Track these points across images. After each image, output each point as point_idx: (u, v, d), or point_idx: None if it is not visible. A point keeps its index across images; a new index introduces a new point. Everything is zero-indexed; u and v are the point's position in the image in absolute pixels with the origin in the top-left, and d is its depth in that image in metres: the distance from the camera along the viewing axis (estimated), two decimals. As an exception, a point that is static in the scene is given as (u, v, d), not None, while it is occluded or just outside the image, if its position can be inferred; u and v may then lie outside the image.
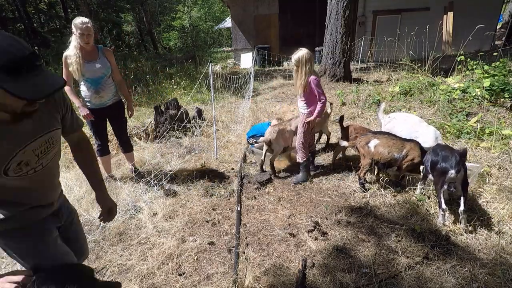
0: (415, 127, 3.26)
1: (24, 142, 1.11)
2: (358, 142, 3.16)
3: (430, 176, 2.69)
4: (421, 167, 2.93)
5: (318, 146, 4.41)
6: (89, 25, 2.86)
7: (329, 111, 4.28)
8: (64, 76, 3.00)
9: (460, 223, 2.44)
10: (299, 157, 3.44)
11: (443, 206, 2.46)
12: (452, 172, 2.37)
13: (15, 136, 1.09)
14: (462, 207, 2.39)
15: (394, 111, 4.93)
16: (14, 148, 1.08)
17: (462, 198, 2.41)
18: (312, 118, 3.20)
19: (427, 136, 3.08)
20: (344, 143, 3.36)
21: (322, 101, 3.11)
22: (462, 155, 2.37)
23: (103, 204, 1.57)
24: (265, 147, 3.67)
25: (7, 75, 0.90)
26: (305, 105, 3.26)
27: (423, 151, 2.89)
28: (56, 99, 1.27)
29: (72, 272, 1.09)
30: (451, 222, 2.52)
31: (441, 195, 2.46)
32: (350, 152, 3.95)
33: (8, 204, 1.19)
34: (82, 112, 3.05)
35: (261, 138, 3.67)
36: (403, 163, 2.91)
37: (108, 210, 1.59)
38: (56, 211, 1.40)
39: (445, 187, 2.45)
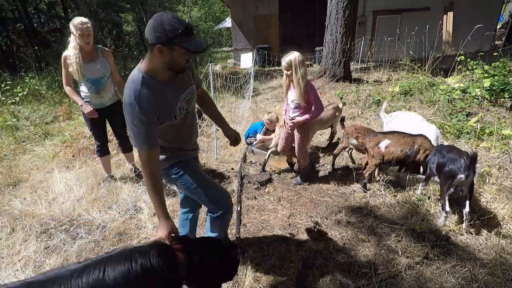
0: (417, 126, 3.26)
1: (180, 93, 1.63)
2: (368, 143, 3.13)
3: (436, 178, 2.64)
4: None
5: (318, 144, 4.41)
6: (89, 25, 2.86)
7: (340, 106, 4.25)
8: (63, 77, 3.00)
9: (463, 224, 2.42)
10: (302, 163, 3.34)
11: (447, 208, 2.42)
12: (461, 177, 2.32)
13: (177, 88, 1.62)
14: (467, 209, 2.35)
15: (394, 111, 4.94)
16: (177, 97, 1.61)
17: (467, 201, 2.37)
18: (301, 119, 3.01)
19: (429, 135, 3.08)
20: (353, 141, 3.34)
21: (319, 109, 2.95)
22: (473, 159, 2.28)
23: (230, 136, 2.10)
24: (272, 148, 3.66)
25: (185, 37, 1.40)
26: (301, 113, 3.08)
27: (432, 144, 2.91)
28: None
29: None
30: (452, 221, 2.52)
31: (446, 198, 2.43)
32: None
33: (174, 147, 1.79)
34: (85, 109, 2.99)
35: (273, 142, 3.67)
36: (420, 156, 2.90)
37: (235, 139, 2.11)
38: (196, 156, 2.00)
39: (452, 190, 2.41)
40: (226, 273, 1.54)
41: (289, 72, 2.87)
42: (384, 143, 2.99)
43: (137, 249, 1.25)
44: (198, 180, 1.86)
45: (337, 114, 4.13)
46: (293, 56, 2.82)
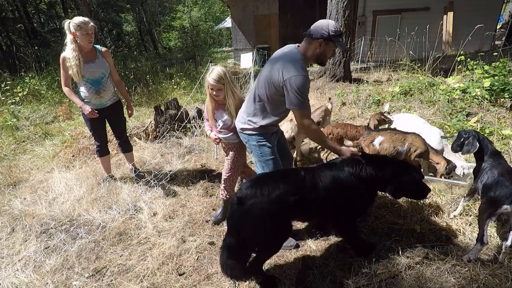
0: (419, 128, 3.25)
1: None
2: (363, 141, 3.16)
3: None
4: (467, 179, 2.78)
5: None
6: (92, 23, 2.85)
7: (329, 106, 4.25)
8: (62, 78, 2.98)
9: (499, 256, 2.10)
10: (224, 195, 2.79)
11: (485, 240, 2.04)
12: (506, 207, 1.98)
13: None
14: (509, 242, 2.06)
15: (394, 111, 4.94)
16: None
17: (511, 232, 2.08)
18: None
19: (432, 138, 3.07)
20: (349, 143, 3.36)
21: None
22: None
23: None
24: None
25: (339, 38, 1.97)
26: (232, 134, 2.59)
27: (425, 143, 2.91)
28: None
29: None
30: (453, 221, 2.52)
31: (486, 227, 2.05)
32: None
33: (273, 122, 2.23)
34: (85, 110, 2.95)
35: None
36: (410, 155, 2.92)
37: None
38: (276, 132, 2.40)
39: (493, 219, 2.07)
40: (416, 191, 2.08)
41: (220, 89, 2.42)
42: (378, 140, 3.03)
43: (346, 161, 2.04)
44: (273, 153, 2.27)
45: (327, 117, 4.13)
46: (221, 70, 2.42)
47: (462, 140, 2.37)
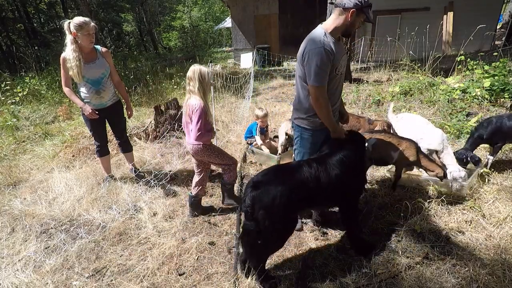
0: (422, 129, 3.23)
1: (342, 54, 2.15)
2: None
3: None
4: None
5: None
6: (93, 23, 2.85)
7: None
8: (62, 78, 2.98)
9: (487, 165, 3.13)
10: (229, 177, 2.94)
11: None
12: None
13: (341, 48, 2.16)
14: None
15: (395, 111, 4.93)
16: (341, 55, 2.13)
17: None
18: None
19: (433, 138, 3.06)
20: None
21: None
22: None
23: (343, 115, 2.68)
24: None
25: (369, 9, 2.04)
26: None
27: (420, 151, 2.86)
28: None
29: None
30: (452, 220, 2.52)
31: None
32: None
33: (308, 117, 2.29)
34: (86, 111, 2.95)
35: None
36: (400, 162, 2.90)
37: (343, 117, 2.68)
38: (323, 129, 2.30)
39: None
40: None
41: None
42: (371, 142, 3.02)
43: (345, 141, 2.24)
44: (308, 149, 2.37)
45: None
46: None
47: (464, 160, 3.09)
